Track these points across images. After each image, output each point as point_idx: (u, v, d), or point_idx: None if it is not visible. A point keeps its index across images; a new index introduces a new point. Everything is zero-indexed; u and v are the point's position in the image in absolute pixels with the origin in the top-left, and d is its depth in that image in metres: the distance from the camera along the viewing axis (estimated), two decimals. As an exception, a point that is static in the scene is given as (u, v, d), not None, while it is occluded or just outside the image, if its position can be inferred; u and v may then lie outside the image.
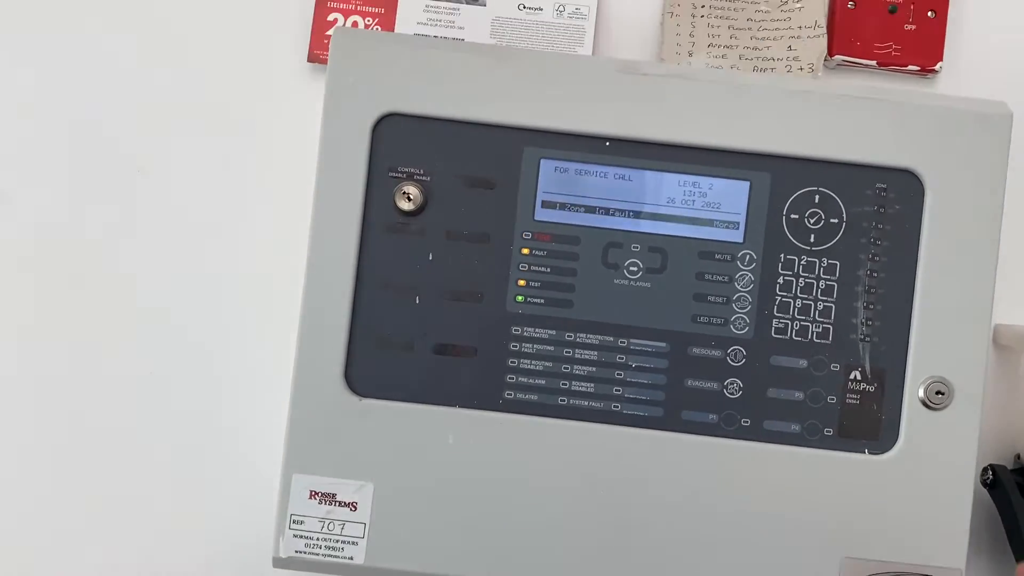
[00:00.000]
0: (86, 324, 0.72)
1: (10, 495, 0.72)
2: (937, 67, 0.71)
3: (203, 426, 0.71)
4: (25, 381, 0.72)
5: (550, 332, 0.60)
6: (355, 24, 0.73)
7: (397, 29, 0.73)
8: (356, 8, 0.73)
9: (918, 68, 0.72)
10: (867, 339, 0.59)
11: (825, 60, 0.70)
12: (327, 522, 0.59)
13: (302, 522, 0.59)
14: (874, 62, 0.71)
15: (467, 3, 0.73)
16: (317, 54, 0.72)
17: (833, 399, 0.59)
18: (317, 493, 0.59)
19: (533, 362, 0.59)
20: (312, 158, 0.62)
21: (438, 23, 0.73)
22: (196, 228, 0.72)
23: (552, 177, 0.60)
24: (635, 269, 0.60)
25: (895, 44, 0.71)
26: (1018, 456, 0.69)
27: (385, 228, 0.60)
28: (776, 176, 0.60)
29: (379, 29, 0.73)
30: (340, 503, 0.59)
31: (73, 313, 0.72)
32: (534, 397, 0.59)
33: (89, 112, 0.73)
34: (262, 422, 0.69)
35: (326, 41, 0.72)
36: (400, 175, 0.60)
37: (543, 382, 0.59)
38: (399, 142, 0.60)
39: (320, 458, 0.59)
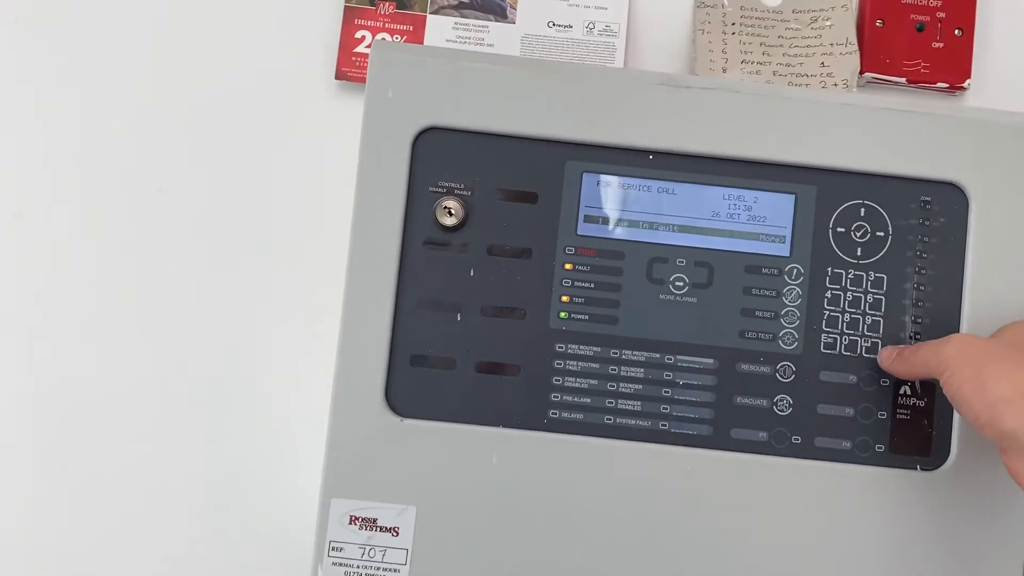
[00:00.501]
0: (112, 345, 0.70)
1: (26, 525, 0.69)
2: (966, 84, 0.72)
3: (238, 448, 0.69)
4: (43, 400, 0.70)
5: (595, 349, 0.58)
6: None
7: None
8: (384, 26, 0.72)
9: (947, 85, 0.72)
10: (916, 353, 0.58)
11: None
12: (368, 548, 0.57)
13: (341, 549, 0.57)
14: (904, 79, 0.72)
15: (496, 20, 0.72)
16: (345, 72, 0.71)
17: (884, 415, 0.58)
18: (357, 518, 0.57)
19: (578, 380, 0.58)
20: (343, 176, 0.61)
21: (467, 40, 0.72)
22: (226, 249, 0.70)
23: (594, 191, 0.59)
24: (681, 284, 0.59)
25: (924, 62, 0.72)
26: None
27: (426, 244, 0.58)
28: (821, 189, 0.59)
29: (409, 44, 0.72)
30: (381, 528, 0.57)
31: (97, 334, 0.70)
32: (579, 416, 0.58)
33: (111, 130, 0.72)
34: (300, 444, 0.67)
35: (354, 59, 0.71)
36: (441, 190, 0.58)
37: (588, 400, 0.58)
38: (439, 156, 0.59)
39: (360, 481, 0.57)
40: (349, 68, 0.71)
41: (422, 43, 0.72)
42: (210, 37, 0.72)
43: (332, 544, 0.57)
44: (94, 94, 0.72)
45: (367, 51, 0.71)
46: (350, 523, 0.57)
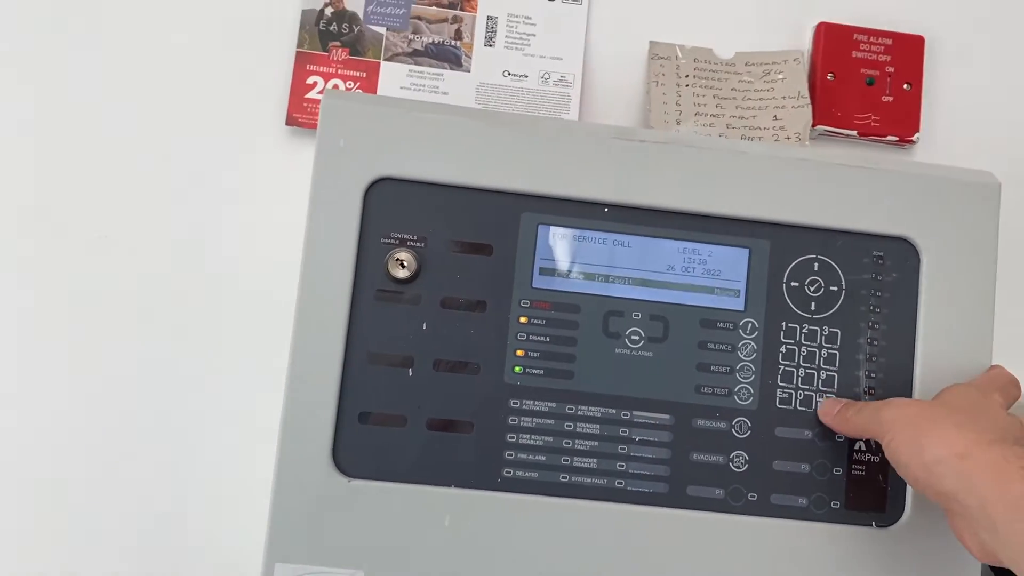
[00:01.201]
0: (47, 413, 0.67)
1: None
2: (915, 138, 0.73)
3: (174, 514, 0.66)
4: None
5: (550, 405, 0.57)
6: (335, 88, 0.71)
7: (379, 94, 0.71)
8: (337, 72, 0.71)
9: (897, 139, 0.73)
10: (871, 408, 0.58)
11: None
12: (312, 616, 0.54)
13: (285, 617, 0.54)
14: (855, 132, 0.72)
15: (451, 68, 0.72)
16: (296, 117, 0.70)
17: (839, 471, 0.58)
18: (301, 584, 0.54)
19: (533, 437, 0.57)
20: (293, 224, 0.59)
21: (422, 88, 0.71)
22: (170, 299, 0.68)
23: (550, 243, 0.58)
24: (637, 338, 0.58)
25: (874, 115, 0.73)
26: (1012, 525, 0.68)
27: (377, 296, 0.57)
28: (775, 243, 0.59)
29: (362, 92, 0.71)
30: (327, 594, 0.54)
31: (36, 396, 0.67)
32: (534, 475, 0.56)
33: (54, 177, 0.69)
34: (242, 508, 0.64)
35: (306, 105, 0.70)
36: (393, 241, 0.57)
37: (543, 458, 0.57)
38: (392, 207, 0.57)
39: (305, 545, 0.55)
40: (300, 114, 0.70)
41: (376, 90, 0.71)
42: (157, 79, 0.70)
43: (275, 611, 0.54)
44: (41, 136, 0.70)
45: (319, 97, 0.70)
46: (294, 589, 0.54)
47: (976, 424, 0.49)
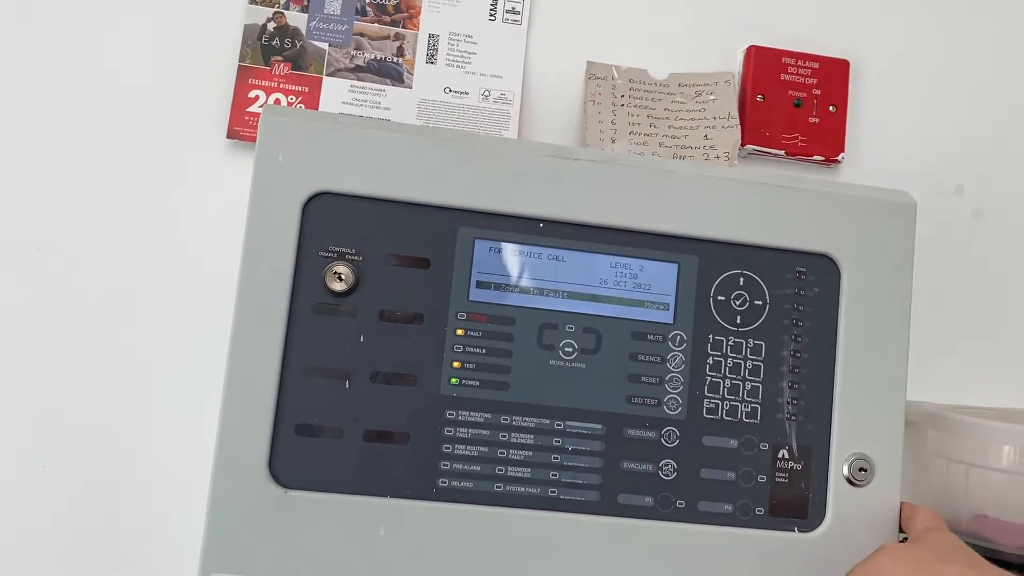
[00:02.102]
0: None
1: None
2: (839, 157, 0.76)
3: (108, 526, 0.65)
4: None
5: (486, 416, 0.58)
6: (277, 102, 0.72)
7: (321, 108, 0.72)
8: (279, 86, 0.72)
9: (823, 158, 0.76)
10: (793, 418, 0.61)
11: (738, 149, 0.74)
12: (247, 627, 0.54)
13: (219, 628, 0.54)
14: (783, 152, 0.75)
15: (393, 84, 0.73)
16: (237, 131, 0.71)
17: (763, 478, 0.60)
18: (237, 595, 0.55)
19: (468, 448, 0.58)
20: (232, 237, 0.60)
21: (363, 103, 0.72)
22: (105, 313, 0.68)
23: (487, 257, 0.59)
24: (570, 350, 0.60)
25: (801, 135, 0.76)
26: (929, 529, 0.71)
27: (314, 309, 0.57)
28: (703, 259, 0.61)
29: (302, 108, 0.72)
30: (262, 605, 0.55)
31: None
32: (469, 484, 0.58)
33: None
34: (177, 519, 0.64)
35: (247, 118, 0.71)
36: (331, 255, 0.58)
37: (478, 468, 0.58)
38: (330, 222, 0.58)
39: (241, 556, 0.55)
40: (241, 127, 0.70)
41: (318, 105, 0.72)
42: (96, 89, 0.70)
43: (210, 623, 0.54)
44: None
45: (260, 110, 0.70)
46: (229, 600, 0.54)
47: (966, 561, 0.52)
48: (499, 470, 0.58)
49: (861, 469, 0.60)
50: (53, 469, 0.66)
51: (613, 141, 0.71)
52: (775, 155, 0.76)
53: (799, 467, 0.61)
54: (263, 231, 0.57)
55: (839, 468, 0.60)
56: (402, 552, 0.56)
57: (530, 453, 0.58)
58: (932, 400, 0.73)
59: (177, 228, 0.69)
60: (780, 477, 0.60)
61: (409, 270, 0.59)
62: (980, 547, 0.66)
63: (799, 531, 0.60)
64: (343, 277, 0.57)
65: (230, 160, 0.71)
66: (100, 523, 0.66)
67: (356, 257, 0.58)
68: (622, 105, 0.73)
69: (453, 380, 0.58)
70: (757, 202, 0.62)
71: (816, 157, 0.76)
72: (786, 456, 0.61)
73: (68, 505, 0.66)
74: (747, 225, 0.62)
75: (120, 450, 0.67)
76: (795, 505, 0.60)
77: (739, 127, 0.73)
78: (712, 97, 0.74)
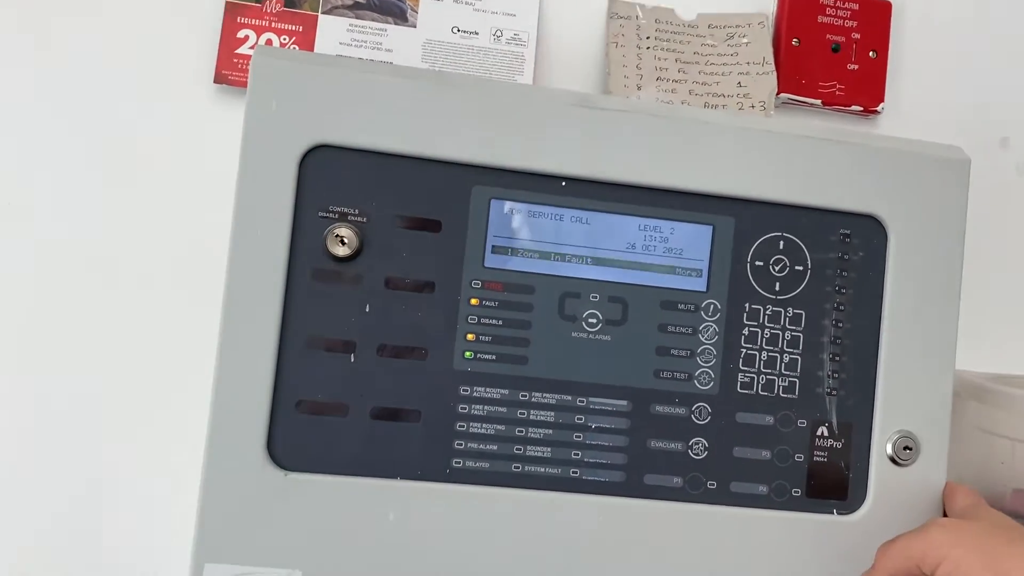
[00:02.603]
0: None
1: None
2: (879, 108, 0.71)
3: (94, 508, 0.61)
4: None
5: (502, 392, 0.54)
6: (269, 43, 0.65)
7: (316, 50, 0.66)
8: (270, 25, 0.65)
9: (861, 108, 0.70)
10: (833, 393, 0.56)
11: (772, 98, 0.68)
12: (246, 619, 0.50)
13: (216, 620, 0.50)
14: (819, 101, 0.70)
15: (395, 23, 0.66)
16: (225, 75, 0.64)
17: (800, 457, 0.56)
18: (234, 585, 0.50)
19: (484, 426, 0.53)
20: (224, 194, 0.54)
21: (363, 44, 0.66)
22: (88, 276, 0.62)
23: (503, 219, 0.54)
24: (594, 321, 0.55)
25: (839, 84, 0.70)
26: (966, 504, 0.67)
27: (314, 276, 0.52)
28: (740, 220, 0.56)
29: (297, 49, 0.65)
30: (262, 596, 0.51)
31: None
32: (485, 465, 0.53)
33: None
34: (169, 504, 0.59)
35: (236, 61, 0.64)
36: (332, 216, 0.53)
37: (495, 448, 0.53)
38: (330, 178, 0.52)
39: (238, 544, 0.51)
40: (230, 71, 0.64)
41: (312, 46, 0.65)
42: (74, 28, 0.63)
43: (205, 615, 0.50)
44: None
45: (251, 53, 0.64)
46: (226, 591, 0.50)
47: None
48: (517, 449, 0.54)
49: (906, 448, 0.56)
50: (25, 443, 0.61)
51: (639, 88, 0.65)
52: (811, 105, 0.70)
53: (839, 445, 0.56)
54: (256, 188, 0.52)
55: (882, 446, 0.56)
56: (413, 538, 0.52)
57: (550, 431, 0.54)
58: (972, 368, 0.68)
59: (161, 185, 0.64)
60: (819, 456, 0.56)
61: (418, 233, 0.53)
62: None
63: (838, 513, 0.56)
64: (346, 240, 0.52)
65: (219, 108, 0.65)
66: (86, 515, 0.62)
67: (360, 218, 0.53)
68: (648, 48, 0.67)
69: (467, 353, 0.53)
70: (799, 158, 0.56)
71: (854, 107, 0.70)
72: (825, 433, 0.56)
73: (44, 484, 0.61)
74: (788, 183, 0.56)
75: (105, 426, 0.62)
76: (834, 486, 0.56)
77: (775, 74, 0.67)
78: (745, 40, 0.68)
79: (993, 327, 0.72)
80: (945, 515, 0.56)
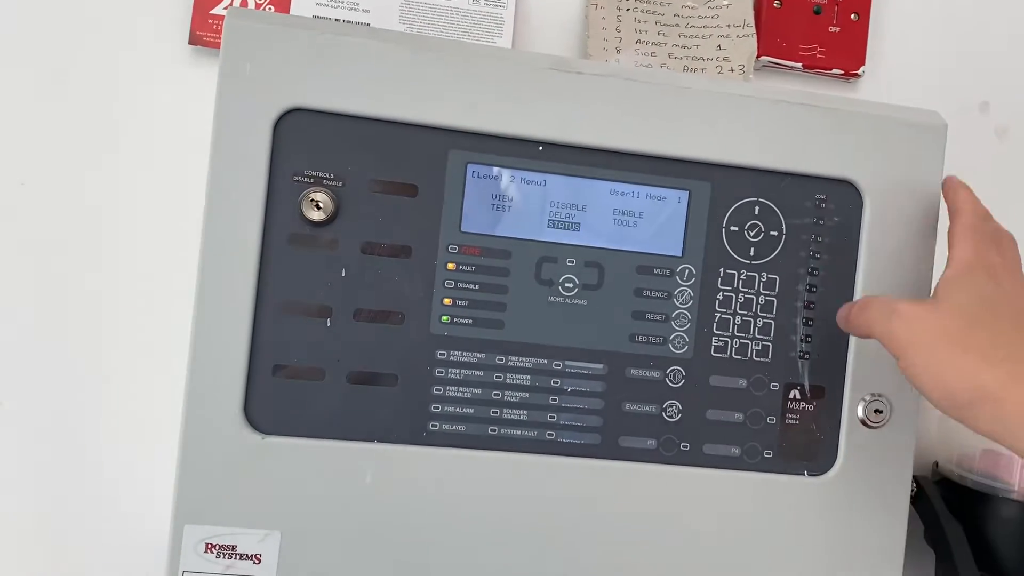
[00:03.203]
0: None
1: None
2: (860, 71, 0.70)
3: (75, 470, 0.61)
4: None
5: (479, 356, 0.54)
6: (244, 3, 0.64)
7: (292, 11, 0.65)
8: (245, -16, 0.64)
9: (842, 72, 0.70)
10: (806, 356, 0.57)
11: (752, 61, 0.68)
12: (226, 579, 0.51)
13: (196, 580, 0.51)
14: (800, 64, 0.69)
15: (373, -16, 0.65)
16: (200, 36, 0.63)
17: (773, 419, 0.57)
18: (214, 546, 0.51)
19: (460, 389, 0.54)
20: (198, 159, 0.54)
21: (340, 5, 0.65)
22: (63, 243, 0.62)
23: (480, 184, 0.54)
24: (571, 286, 0.55)
25: (820, 46, 0.69)
26: (936, 464, 0.69)
27: (290, 240, 0.52)
28: (716, 186, 0.56)
29: (272, 10, 0.64)
30: (241, 556, 0.51)
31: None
32: (462, 428, 0.54)
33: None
34: (148, 465, 0.60)
35: (211, 21, 0.63)
36: (307, 180, 0.52)
37: (471, 411, 0.54)
38: (305, 142, 0.52)
39: (216, 505, 0.51)
40: (205, 32, 0.63)
41: (288, 7, 0.64)
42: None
43: (186, 574, 0.51)
44: None
45: (224, 13, 0.63)
46: (206, 551, 0.51)
47: (1006, 346, 0.44)
48: (494, 412, 0.54)
49: (877, 411, 0.57)
50: (10, 404, 0.62)
51: (618, 51, 0.65)
52: (791, 68, 0.69)
53: (811, 408, 0.57)
54: (230, 152, 0.51)
55: (854, 409, 0.57)
56: (390, 500, 0.53)
57: (527, 395, 0.54)
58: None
59: (134, 148, 0.63)
60: (791, 419, 0.57)
61: (394, 198, 0.53)
62: (989, 486, 0.64)
63: (809, 474, 0.57)
64: (321, 205, 0.52)
65: (193, 70, 0.64)
66: (65, 469, 0.62)
67: (335, 183, 0.53)
68: (627, 10, 0.66)
69: (444, 318, 0.54)
70: (777, 123, 0.56)
71: (835, 71, 0.70)
72: (797, 396, 0.57)
73: (25, 445, 0.62)
74: (765, 148, 0.56)
75: (86, 388, 0.62)
76: (805, 448, 0.57)
77: (755, 37, 0.67)
78: (726, 2, 0.68)
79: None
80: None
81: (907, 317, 0.47)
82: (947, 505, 0.64)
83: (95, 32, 0.63)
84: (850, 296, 0.57)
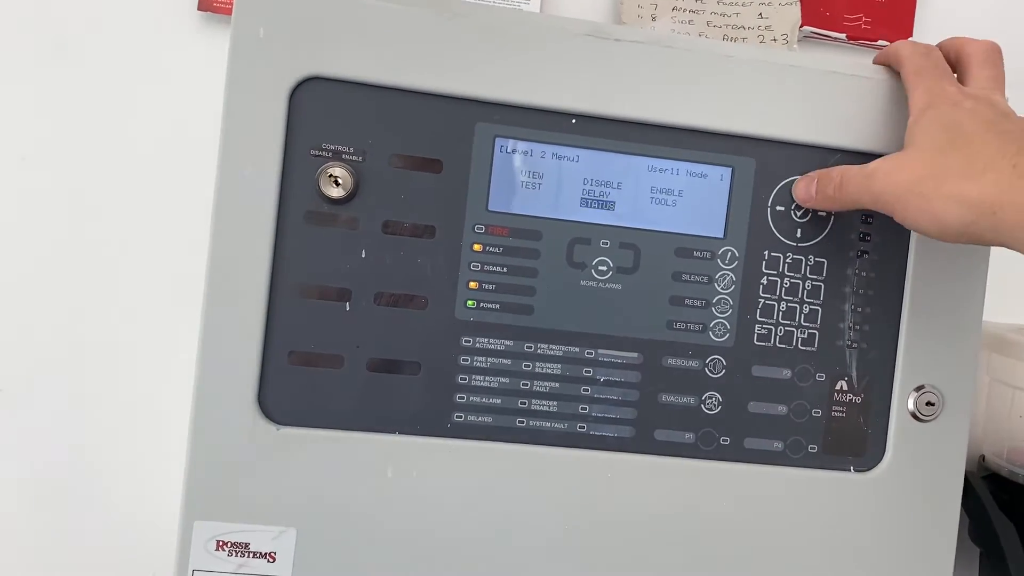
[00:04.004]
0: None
1: None
2: (907, 43, 0.66)
3: (79, 463, 0.58)
4: None
5: (507, 343, 0.51)
6: (256, -34, 0.60)
7: (308, -25, 0.61)
8: (258, -53, 0.60)
9: (887, 43, 0.66)
10: (855, 345, 0.54)
11: (794, 31, 0.64)
12: (239, 577, 0.48)
13: (207, 579, 0.48)
14: (844, 35, 0.65)
15: (393, -53, 0.61)
16: (209, 1, 0.60)
17: (818, 412, 0.54)
18: (225, 543, 0.48)
19: (487, 378, 0.51)
20: (210, 131, 0.50)
21: (358, -30, 0.61)
22: (66, 223, 0.59)
23: (509, 159, 0.51)
24: (604, 269, 0.51)
25: (865, 16, 0.66)
26: (982, 457, 0.66)
27: (307, 219, 0.49)
28: (761, 162, 0.53)
29: (286, -26, 0.61)
30: (254, 554, 0.49)
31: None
32: (488, 419, 0.51)
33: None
34: (157, 457, 0.57)
35: (221, -15, 0.60)
36: (325, 154, 0.49)
37: (498, 401, 0.51)
38: (323, 113, 0.49)
39: (228, 501, 0.49)
40: (215, -3, 0.60)
41: (304, -30, 0.60)
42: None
43: (196, 574, 0.48)
44: None
45: (237, -23, 0.59)
46: (217, 548, 0.48)
47: (983, 158, 0.43)
48: (522, 403, 0.51)
49: (928, 403, 0.53)
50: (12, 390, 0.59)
51: (653, 19, 0.61)
52: (835, 39, 0.66)
53: (858, 400, 0.54)
54: (243, 125, 0.48)
55: (903, 401, 0.53)
56: (412, 495, 0.50)
57: (557, 385, 0.51)
58: (996, 320, 0.66)
59: (144, 120, 0.60)
60: (837, 411, 0.54)
61: (418, 173, 0.50)
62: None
63: (855, 471, 0.54)
64: (340, 181, 0.48)
65: (203, 36, 0.60)
66: (70, 462, 0.59)
67: (355, 157, 0.49)
68: (663, -25, 0.62)
69: (470, 302, 0.50)
70: (827, 95, 0.52)
71: (880, 42, 0.66)
72: (844, 388, 0.54)
73: (29, 432, 0.59)
74: (813, 122, 0.53)
75: (90, 375, 0.59)
76: (852, 442, 0.54)
77: (799, 4, 0.63)
78: (767, -32, 0.64)
79: (1019, 277, 0.69)
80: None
81: (885, 172, 0.47)
82: (996, 501, 0.61)
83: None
84: (902, 281, 0.54)
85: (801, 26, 0.64)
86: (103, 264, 0.59)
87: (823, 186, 0.50)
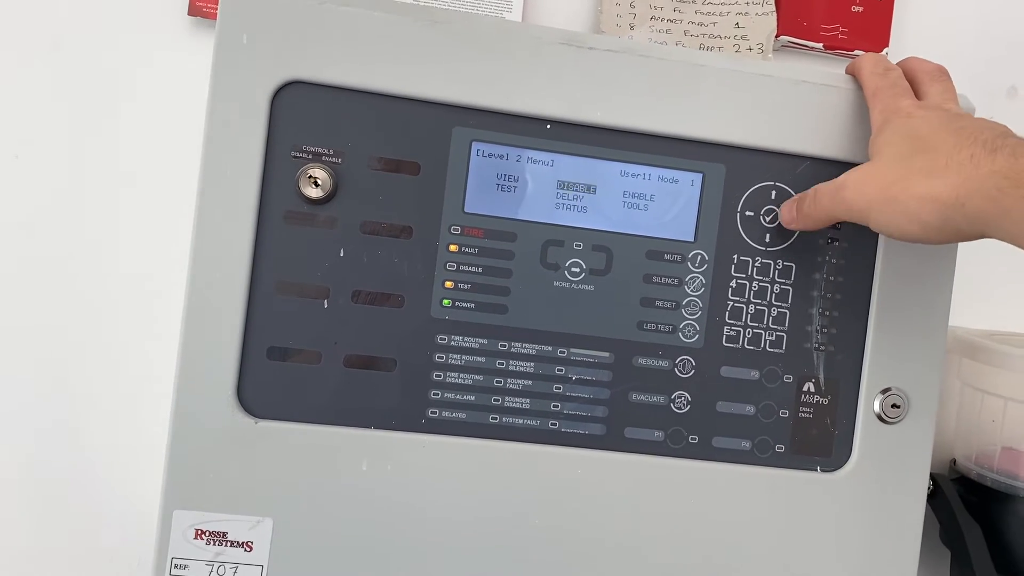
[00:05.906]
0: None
1: None
2: (884, 53, 0.68)
3: (65, 453, 0.60)
4: None
5: (481, 341, 0.52)
6: (246, -28, 0.62)
7: (296, -19, 0.62)
8: (247, -47, 0.62)
9: (864, 53, 0.67)
10: (822, 348, 0.55)
11: (771, 40, 0.65)
12: (216, 566, 0.50)
13: (186, 567, 0.50)
14: (820, 45, 0.67)
15: (379, -45, 0.63)
16: (199, 6, 0.61)
17: (786, 413, 0.55)
18: (204, 532, 0.50)
19: (461, 375, 0.52)
20: (196, 133, 0.52)
21: (345, -23, 0.63)
22: (55, 220, 0.60)
23: (485, 163, 0.52)
24: (577, 270, 0.53)
25: (842, 26, 0.67)
26: (953, 461, 0.67)
27: (286, 218, 0.50)
28: (731, 168, 0.54)
29: (275, -20, 0.62)
30: (232, 543, 0.50)
31: None
32: (462, 415, 0.52)
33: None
34: (137, 449, 0.58)
35: (211, -9, 0.61)
36: (305, 156, 0.50)
37: (472, 398, 0.52)
38: (304, 116, 0.50)
39: (207, 491, 0.50)
40: (205, 2, 0.61)
41: (291, -23, 0.62)
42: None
43: (175, 561, 0.50)
44: None
45: (226, -17, 0.61)
46: (195, 537, 0.50)
47: (943, 155, 0.44)
48: (495, 400, 0.52)
49: (894, 405, 0.55)
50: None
51: (632, 28, 0.63)
52: (811, 48, 0.67)
53: (825, 401, 0.55)
54: (226, 127, 0.49)
55: (870, 403, 0.55)
56: (386, 489, 0.51)
57: (530, 382, 0.53)
58: (966, 325, 0.67)
59: (132, 120, 0.61)
60: (804, 412, 0.55)
61: (396, 175, 0.51)
62: (1009, 485, 0.62)
63: (822, 470, 0.55)
64: (319, 182, 0.50)
65: (193, 41, 0.62)
66: (59, 446, 0.61)
67: (334, 159, 0.51)
68: (642, -15, 0.64)
69: (445, 301, 0.52)
70: (795, 104, 0.54)
71: (857, 52, 0.67)
72: (812, 389, 0.55)
73: (18, 426, 0.60)
74: (783, 130, 0.54)
75: (75, 371, 0.61)
76: (819, 442, 0.55)
77: (775, 15, 0.64)
78: (745, -22, 0.65)
79: (988, 283, 0.70)
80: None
81: (854, 182, 0.48)
82: (964, 504, 0.62)
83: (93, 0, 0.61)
84: (869, 285, 0.55)
85: (779, 36, 0.66)
86: (89, 261, 0.61)
87: (801, 204, 0.52)
